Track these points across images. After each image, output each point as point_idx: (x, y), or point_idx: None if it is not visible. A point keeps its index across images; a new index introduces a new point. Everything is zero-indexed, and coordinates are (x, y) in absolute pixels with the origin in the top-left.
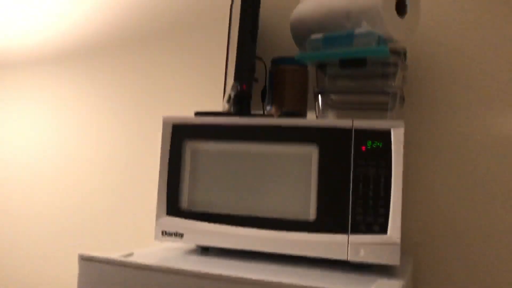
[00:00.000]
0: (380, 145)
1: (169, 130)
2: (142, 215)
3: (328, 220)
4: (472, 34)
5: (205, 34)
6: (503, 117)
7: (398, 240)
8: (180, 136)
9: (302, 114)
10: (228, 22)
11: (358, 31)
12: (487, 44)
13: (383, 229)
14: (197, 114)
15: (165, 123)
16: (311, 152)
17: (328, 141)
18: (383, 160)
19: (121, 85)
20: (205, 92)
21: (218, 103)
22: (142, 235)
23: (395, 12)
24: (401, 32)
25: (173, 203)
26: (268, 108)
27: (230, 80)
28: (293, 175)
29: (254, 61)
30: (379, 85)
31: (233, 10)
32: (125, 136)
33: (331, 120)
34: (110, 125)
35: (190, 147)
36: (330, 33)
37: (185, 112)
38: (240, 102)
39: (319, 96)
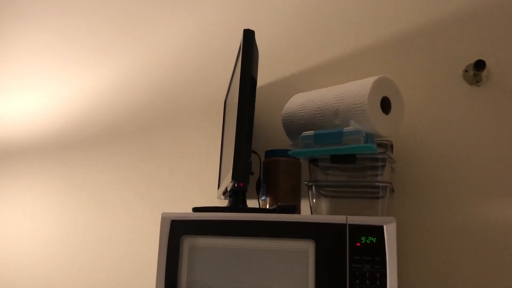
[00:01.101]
0: (374, 241)
1: (168, 226)
2: None
3: None
4: (459, 126)
5: (201, 128)
6: (489, 205)
7: None
8: (178, 231)
9: (296, 208)
10: (222, 118)
11: (346, 129)
12: (475, 135)
13: None
14: (195, 209)
15: (163, 219)
16: (308, 248)
17: (323, 236)
18: (377, 256)
19: (120, 176)
20: (201, 181)
21: (213, 191)
22: None
23: (380, 110)
24: (387, 128)
25: None
26: (262, 198)
27: (225, 172)
28: (291, 271)
29: (250, 161)
30: (369, 178)
31: (227, 107)
32: (123, 229)
33: (326, 216)
34: (107, 217)
35: (188, 242)
36: (320, 131)
37: (180, 198)
38: (236, 195)
39: (313, 187)
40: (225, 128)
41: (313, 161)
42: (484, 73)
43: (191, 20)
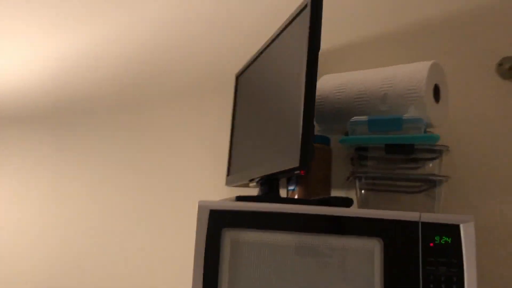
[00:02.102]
0: (449, 241)
1: (206, 216)
2: None
3: None
4: (491, 121)
5: (206, 106)
6: None
7: None
8: (219, 223)
9: (353, 202)
10: (233, 102)
11: (406, 116)
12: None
13: None
14: (239, 198)
15: (201, 208)
16: (374, 247)
17: (393, 235)
18: (454, 258)
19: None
20: (206, 165)
21: (220, 177)
22: None
23: (432, 98)
24: (438, 117)
25: None
26: (291, 188)
27: (237, 158)
28: (352, 273)
29: (313, 147)
30: (420, 170)
31: (244, 83)
32: (118, 220)
33: (396, 212)
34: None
35: (230, 236)
36: (375, 116)
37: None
38: (270, 183)
39: (362, 179)
40: (241, 107)
41: (361, 149)
42: None
43: None
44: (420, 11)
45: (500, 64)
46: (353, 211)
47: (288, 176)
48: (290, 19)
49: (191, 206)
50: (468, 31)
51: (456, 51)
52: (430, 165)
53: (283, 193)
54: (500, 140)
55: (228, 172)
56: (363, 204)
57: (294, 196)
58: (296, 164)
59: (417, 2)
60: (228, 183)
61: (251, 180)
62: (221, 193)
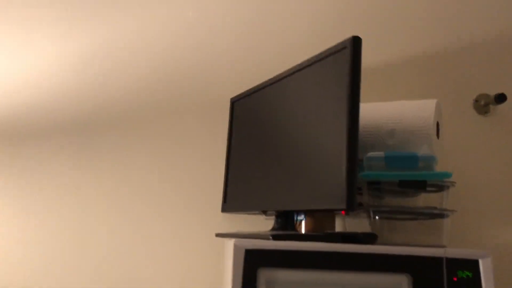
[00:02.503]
0: (470, 276)
1: (242, 256)
2: None
3: None
4: (469, 154)
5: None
6: (502, 231)
7: None
8: (255, 263)
9: (378, 237)
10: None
11: (422, 154)
12: (486, 162)
13: None
14: (275, 237)
15: (236, 247)
16: (402, 282)
17: (419, 270)
18: None
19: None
20: (199, 191)
21: (214, 204)
22: None
23: (436, 134)
24: (439, 153)
25: None
26: (300, 218)
27: (237, 185)
28: None
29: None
30: (425, 200)
31: (240, 109)
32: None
33: (422, 249)
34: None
35: (265, 276)
36: (392, 152)
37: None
38: (286, 217)
39: (374, 212)
40: (239, 133)
41: (374, 183)
42: (492, 105)
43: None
44: (405, 48)
45: (476, 101)
46: (382, 247)
47: (327, 214)
48: (326, 55)
49: (186, 233)
50: (449, 69)
51: (439, 87)
52: (446, 199)
53: None
54: (480, 171)
55: (225, 199)
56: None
57: (301, 225)
58: (343, 205)
59: (402, 40)
60: (225, 209)
61: (265, 211)
62: (213, 218)
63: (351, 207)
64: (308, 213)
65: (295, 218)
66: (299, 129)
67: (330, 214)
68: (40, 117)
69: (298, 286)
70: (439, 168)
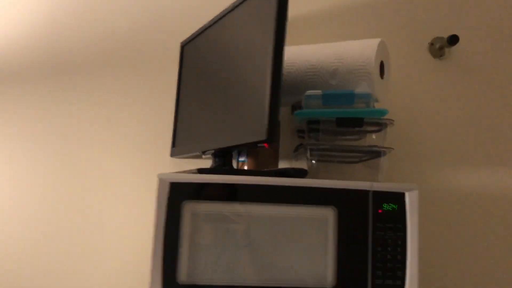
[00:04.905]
0: (396, 208)
1: (166, 189)
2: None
3: (348, 286)
4: (424, 98)
5: (150, 75)
6: (472, 173)
7: None
8: (179, 196)
9: (308, 172)
10: (179, 65)
11: (358, 91)
12: (438, 106)
13: None
14: (201, 171)
15: (161, 181)
16: (328, 215)
17: (346, 203)
18: (399, 223)
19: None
20: (148, 135)
21: (164, 148)
22: None
23: (379, 74)
24: (382, 93)
25: (170, 275)
26: (242, 159)
27: (184, 129)
28: (308, 239)
29: (279, 120)
30: (363, 142)
31: (190, 52)
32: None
33: (349, 182)
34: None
35: (191, 208)
36: (330, 91)
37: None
38: (223, 155)
39: (314, 151)
40: (188, 77)
41: (313, 122)
42: (447, 48)
43: None
44: None
45: (431, 44)
46: (308, 181)
47: (252, 148)
48: None
49: (134, 176)
50: (405, 11)
51: (394, 29)
52: (373, 136)
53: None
54: (429, 113)
55: (173, 143)
56: (312, 174)
57: (244, 167)
58: (264, 137)
59: None
60: (174, 154)
61: (204, 152)
62: (165, 164)
63: (271, 138)
64: (249, 154)
65: (237, 159)
66: (232, 68)
67: (272, 156)
68: None
69: (224, 218)
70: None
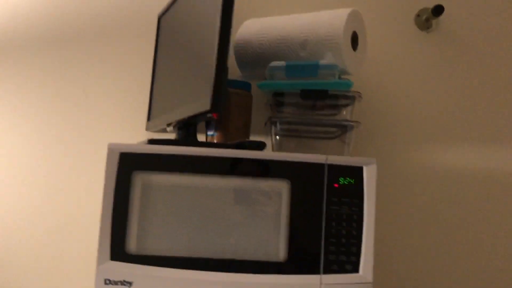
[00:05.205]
0: (352, 182)
1: (116, 159)
2: (79, 260)
3: (300, 260)
4: (409, 71)
5: (126, 47)
6: (445, 150)
7: (371, 279)
8: (129, 166)
9: (266, 145)
10: (155, 39)
11: (322, 62)
12: (428, 82)
13: (355, 268)
14: (151, 142)
15: (111, 151)
16: (282, 188)
17: (300, 176)
18: (355, 198)
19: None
20: (125, 109)
21: (140, 122)
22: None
23: (350, 45)
24: (354, 65)
25: (119, 246)
26: (210, 133)
27: (160, 102)
28: (261, 212)
29: (227, 90)
30: (334, 116)
31: (166, 25)
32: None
33: (304, 155)
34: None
35: (141, 179)
36: (293, 62)
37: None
38: (187, 127)
39: (277, 124)
40: (162, 50)
41: (278, 95)
42: (434, 20)
43: None
44: None
45: (418, 15)
46: (262, 153)
47: (202, 119)
48: None
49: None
50: None
51: (380, 2)
52: (344, 112)
53: (202, 138)
54: (413, 88)
55: (149, 117)
56: (278, 149)
57: (214, 141)
58: (207, 107)
59: None
60: (149, 128)
61: (169, 125)
62: (142, 138)
63: (216, 108)
64: (218, 128)
65: (206, 133)
66: (192, 40)
67: (242, 130)
68: None
69: (175, 189)
70: (362, 83)
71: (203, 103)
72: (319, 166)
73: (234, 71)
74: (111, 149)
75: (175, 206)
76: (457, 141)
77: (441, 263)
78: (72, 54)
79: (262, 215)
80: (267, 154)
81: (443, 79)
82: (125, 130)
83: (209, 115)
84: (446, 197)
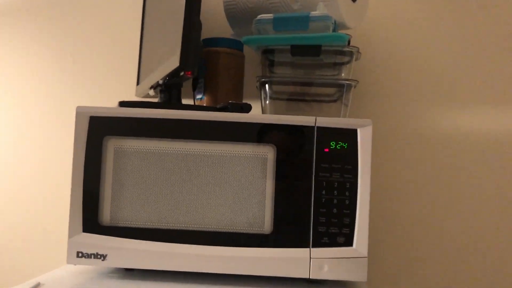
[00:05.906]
0: (345, 146)
1: (86, 124)
2: (51, 233)
3: (287, 232)
4: (418, 30)
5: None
6: (450, 112)
7: (366, 253)
8: (100, 131)
9: (251, 107)
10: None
11: (313, 13)
12: (433, 39)
13: (348, 241)
14: (122, 104)
15: (80, 114)
16: (267, 154)
17: (286, 141)
18: (348, 164)
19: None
20: (114, 73)
21: (130, 87)
22: (52, 257)
23: None
24: (354, 18)
25: (91, 217)
26: (199, 97)
27: (150, 64)
28: (244, 180)
29: (201, 47)
30: (331, 76)
31: None
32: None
33: (290, 117)
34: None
35: (113, 145)
36: (281, 14)
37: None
38: (169, 90)
39: (266, 86)
40: (149, 11)
41: (268, 52)
42: None
43: None
44: None
45: None
46: (244, 116)
47: (179, 80)
48: None
49: None
50: None
51: None
52: (342, 71)
53: (191, 102)
54: (418, 46)
55: (138, 81)
56: (267, 111)
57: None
58: (176, 64)
59: None
60: (137, 92)
61: (151, 88)
62: None
63: (186, 66)
64: (207, 90)
65: (195, 97)
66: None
67: (232, 93)
68: None
69: (150, 155)
70: (361, 40)
71: (173, 61)
72: (307, 129)
73: (226, 30)
74: (79, 112)
75: (151, 174)
76: (468, 103)
77: (442, 235)
78: (61, 18)
79: (245, 184)
80: (250, 116)
81: (449, 37)
82: (117, 96)
83: (181, 73)
84: (448, 163)
